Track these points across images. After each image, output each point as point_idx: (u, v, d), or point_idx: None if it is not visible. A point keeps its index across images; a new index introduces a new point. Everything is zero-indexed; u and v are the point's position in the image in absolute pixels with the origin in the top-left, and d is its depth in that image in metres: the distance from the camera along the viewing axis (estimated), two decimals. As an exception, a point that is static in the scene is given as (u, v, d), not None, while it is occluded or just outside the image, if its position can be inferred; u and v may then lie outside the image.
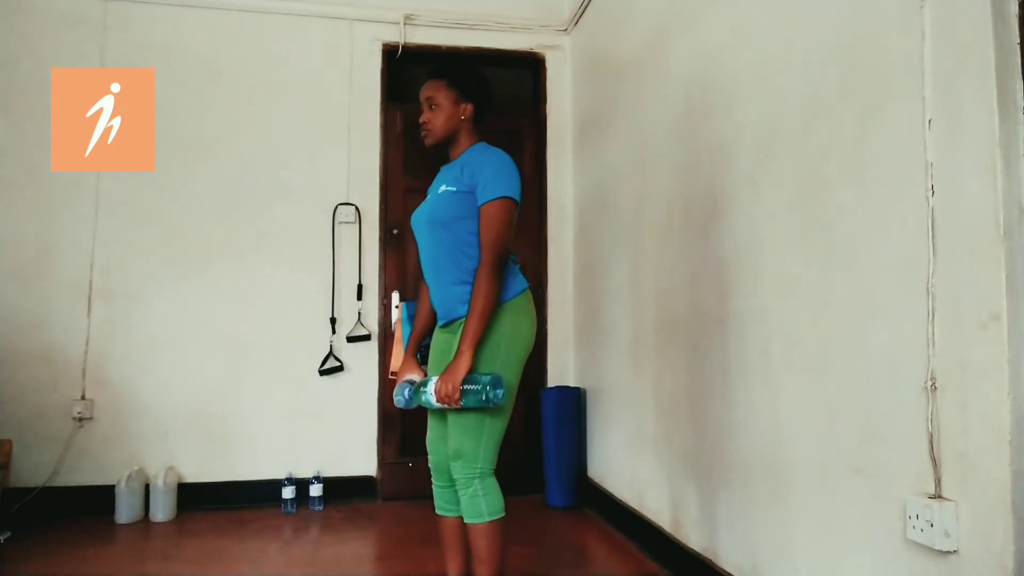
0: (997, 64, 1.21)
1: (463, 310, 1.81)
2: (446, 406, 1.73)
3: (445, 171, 1.93)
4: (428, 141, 1.92)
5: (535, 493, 3.46)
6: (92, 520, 3.01)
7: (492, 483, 1.79)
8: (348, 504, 3.33)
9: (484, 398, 1.67)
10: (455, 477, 1.79)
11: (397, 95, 3.64)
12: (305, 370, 3.38)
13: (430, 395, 1.74)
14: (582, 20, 3.57)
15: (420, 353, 2.05)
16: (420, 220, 1.91)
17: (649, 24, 2.71)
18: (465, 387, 1.69)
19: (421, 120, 1.91)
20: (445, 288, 1.85)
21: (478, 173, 1.80)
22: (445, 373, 1.71)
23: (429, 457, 1.96)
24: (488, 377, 1.69)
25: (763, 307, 1.90)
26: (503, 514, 1.78)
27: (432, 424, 1.96)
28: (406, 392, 1.90)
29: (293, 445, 3.35)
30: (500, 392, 1.69)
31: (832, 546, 1.61)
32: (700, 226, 2.25)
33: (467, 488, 1.77)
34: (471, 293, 1.77)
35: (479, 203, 1.78)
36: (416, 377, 1.98)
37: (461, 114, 1.90)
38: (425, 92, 1.91)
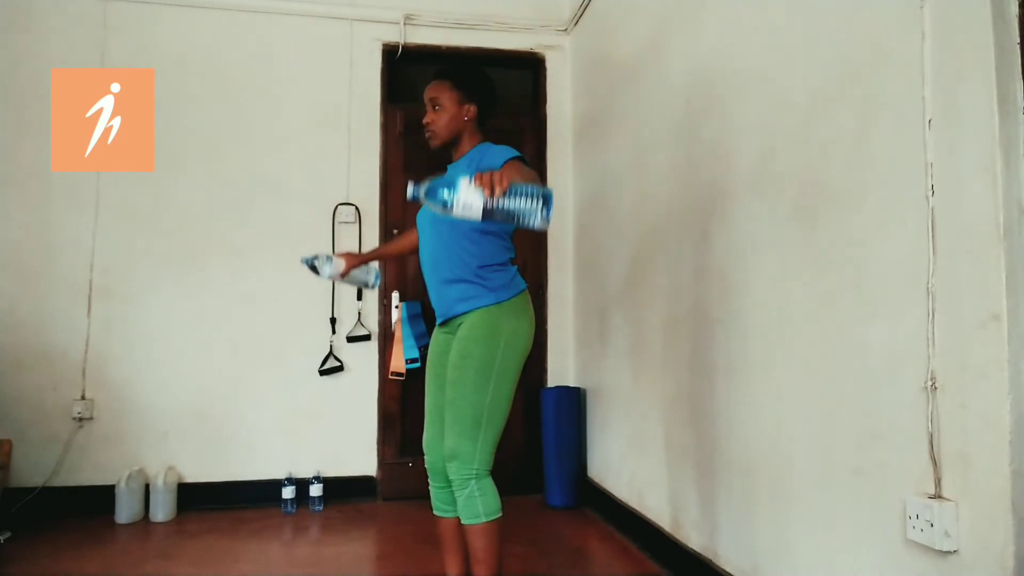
0: (997, 64, 1.21)
1: (460, 308, 1.82)
2: (476, 202, 1.35)
3: (451, 169, 1.94)
4: (433, 143, 1.93)
5: (535, 493, 3.46)
6: (92, 520, 3.01)
7: (488, 483, 1.79)
8: (348, 504, 3.33)
9: (527, 207, 1.34)
10: (451, 478, 1.79)
11: (397, 95, 3.64)
12: (305, 370, 3.38)
13: (459, 188, 1.36)
14: (582, 20, 3.57)
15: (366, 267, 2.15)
16: (425, 218, 1.92)
17: (649, 24, 2.71)
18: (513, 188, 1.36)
19: (425, 121, 1.92)
20: (443, 286, 1.86)
21: (483, 159, 1.81)
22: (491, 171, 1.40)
23: (425, 458, 1.97)
24: (540, 189, 1.37)
25: (763, 307, 1.90)
26: (500, 514, 1.79)
27: (429, 426, 1.96)
28: (320, 258, 1.99)
29: (293, 445, 3.35)
30: (548, 215, 1.35)
31: (832, 546, 1.61)
32: (700, 226, 2.25)
33: (463, 489, 1.77)
34: (471, 293, 1.78)
35: (500, 164, 1.73)
36: (341, 260, 2.06)
37: (465, 115, 1.90)
38: (429, 93, 1.92)
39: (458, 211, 1.37)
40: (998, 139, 1.20)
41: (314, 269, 2.04)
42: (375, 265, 2.23)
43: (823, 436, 1.64)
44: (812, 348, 1.69)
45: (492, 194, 1.33)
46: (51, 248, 3.20)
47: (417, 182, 1.42)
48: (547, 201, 1.36)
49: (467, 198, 1.35)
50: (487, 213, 1.37)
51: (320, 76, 3.51)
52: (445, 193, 1.37)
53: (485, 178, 1.34)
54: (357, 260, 2.10)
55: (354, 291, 3.46)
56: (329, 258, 2.04)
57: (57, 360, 3.17)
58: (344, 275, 2.08)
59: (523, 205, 1.34)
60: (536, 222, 1.36)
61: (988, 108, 1.22)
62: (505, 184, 1.33)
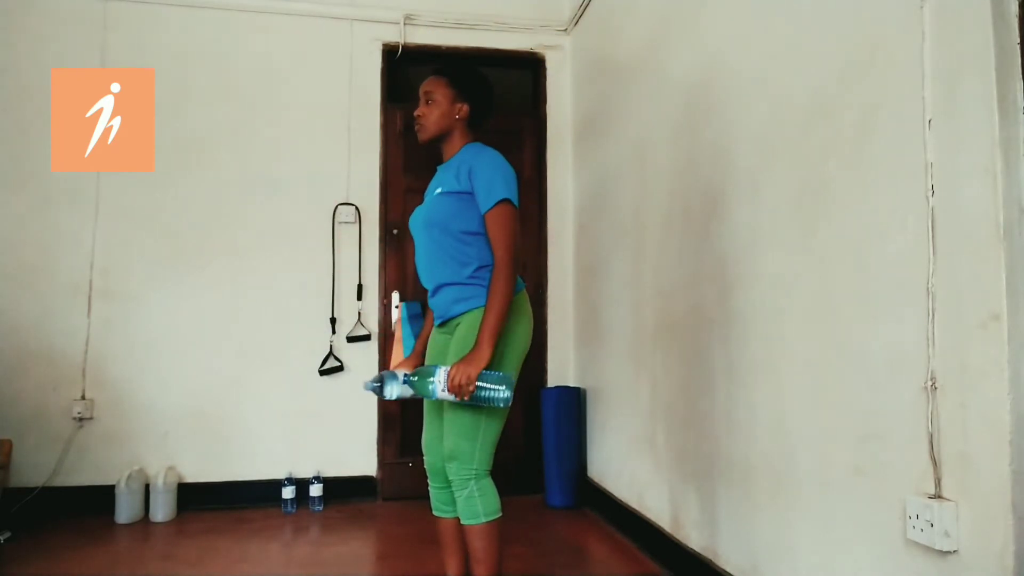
0: (997, 64, 1.21)
1: (458, 309, 1.82)
2: (451, 397, 1.68)
3: (441, 171, 1.94)
4: (421, 136, 1.94)
5: (535, 493, 3.46)
6: (92, 520, 3.01)
7: (488, 484, 1.79)
8: (348, 504, 3.33)
9: (492, 396, 1.66)
10: (451, 478, 1.79)
11: (397, 95, 3.64)
12: (305, 370, 3.38)
13: (437, 384, 1.69)
14: (582, 20, 3.57)
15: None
16: (417, 221, 1.92)
17: (649, 24, 2.71)
18: (478, 383, 1.67)
19: (416, 113, 1.94)
20: (440, 288, 1.86)
21: (473, 176, 1.80)
22: (462, 363, 1.67)
23: (425, 459, 1.96)
24: (500, 376, 1.68)
25: (763, 307, 1.90)
26: (499, 514, 1.79)
27: (428, 426, 1.96)
28: (385, 380, 1.83)
29: (293, 445, 3.35)
30: (509, 396, 1.68)
31: (832, 546, 1.60)
32: (700, 226, 2.24)
33: (463, 489, 1.77)
34: (468, 294, 1.79)
35: (483, 210, 1.79)
36: (402, 371, 1.88)
37: (456, 113, 1.91)
38: (425, 87, 1.94)
39: (437, 397, 1.71)
40: (998, 139, 1.20)
41: (379, 392, 1.89)
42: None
43: (823, 436, 1.64)
44: (812, 348, 1.69)
45: (460, 396, 1.66)
46: (51, 248, 3.20)
47: (386, 382, 1.82)
48: (509, 387, 1.68)
49: (443, 396, 1.70)
50: (458, 402, 1.72)
51: (320, 76, 3.51)
52: (429, 387, 1.70)
53: (454, 386, 1.65)
54: (415, 360, 2.02)
55: (354, 291, 3.46)
56: (394, 375, 1.87)
57: (57, 360, 3.17)
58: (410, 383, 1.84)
59: (488, 395, 1.67)
60: (500, 404, 1.68)
61: (988, 108, 1.22)
62: (471, 388, 1.65)
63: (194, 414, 3.27)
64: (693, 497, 2.28)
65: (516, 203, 1.82)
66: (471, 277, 1.81)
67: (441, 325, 1.93)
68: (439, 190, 1.87)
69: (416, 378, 1.74)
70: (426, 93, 1.93)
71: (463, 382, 1.65)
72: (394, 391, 1.85)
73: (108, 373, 3.21)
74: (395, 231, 3.54)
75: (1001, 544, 1.18)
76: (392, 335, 3.44)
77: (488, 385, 1.67)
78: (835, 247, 1.60)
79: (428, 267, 1.89)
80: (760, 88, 1.93)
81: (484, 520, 1.76)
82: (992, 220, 1.20)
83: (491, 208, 1.78)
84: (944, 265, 1.30)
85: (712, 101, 2.19)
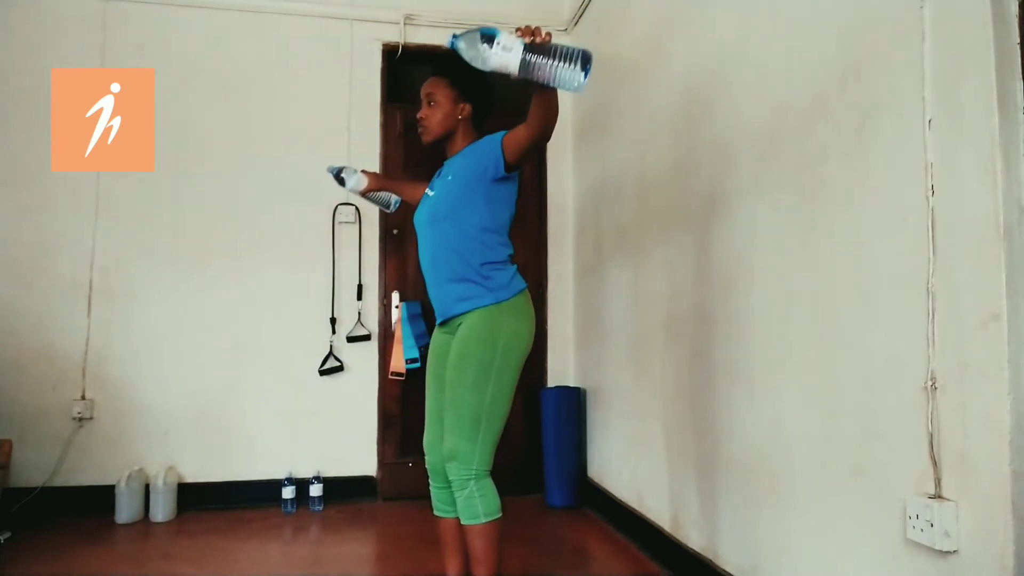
0: (997, 64, 1.21)
1: (460, 308, 1.82)
2: (515, 49, 1.40)
3: (448, 166, 1.94)
4: (425, 138, 1.94)
5: (535, 493, 3.46)
6: (92, 520, 3.01)
7: (488, 484, 1.79)
8: (348, 504, 3.33)
9: (564, 70, 1.38)
10: (451, 478, 1.80)
11: (397, 95, 3.64)
12: (305, 370, 3.38)
13: (501, 35, 1.40)
14: (582, 20, 3.57)
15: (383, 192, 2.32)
16: (422, 217, 1.92)
17: (649, 24, 2.71)
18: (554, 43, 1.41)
19: (419, 115, 1.94)
20: (443, 285, 1.86)
21: (479, 146, 1.83)
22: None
23: (426, 459, 1.97)
24: (580, 51, 1.39)
25: (763, 307, 1.90)
26: (499, 514, 1.79)
27: (429, 426, 1.96)
28: (346, 171, 2.23)
29: (293, 445, 3.35)
30: (583, 82, 1.39)
31: (832, 546, 1.61)
32: (700, 226, 2.25)
33: (463, 489, 1.77)
34: (470, 293, 1.79)
35: (499, 139, 1.78)
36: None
37: (459, 113, 1.92)
38: (426, 88, 1.94)
39: (497, 55, 1.39)
40: (998, 139, 1.20)
41: (340, 180, 2.23)
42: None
43: (823, 436, 1.64)
44: (812, 348, 1.69)
45: (532, 40, 1.39)
46: (51, 248, 3.20)
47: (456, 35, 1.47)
48: (587, 62, 1.38)
49: (507, 41, 1.40)
50: (524, 65, 1.40)
51: (320, 76, 3.51)
52: (485, 36, 1.40)
53: (526, 28, 1.42)
54: (379, 184, 2.29)
55: (354, 291, 3.46)
56: (355, 171, 2.24)
57: (57, 360, 3.17)
58: (365, 193, 2.29)
59: (561, 63, 1.38)
60: (574, 84, 1.39)
61: (988, 108, 1.22)
62: (547, 37, 1.40)
63: (194, 414, 3.27)
64: (693, 497, 2.28)
65: None
66: (477, 274, 1.80)
67: (442, 324, 1.93)
68: (449, 178, 1.87)
69: (466, 34, 1.45)
70: (428, 95, 1.93)
71: (537, 30, 1.43)
72: (351, 182, 2.21)
73: (108, 373, 3.21)
74: (395, 231, 3.54)
75: (1001, 544, 1.18)
76: (392, 335, 3.44)
77: (563, 54, 1.39)
78: (835, 247, 1.60)
79: (432, 263, 1.88)
80: (760, 88, 1.93)
81: (484, 520, 1.76)
82: (992, 220, 1.20)
83: (503, 135, 1.78)
84: (944, 265, 1.30)
85: (712, 101, 2.19)
